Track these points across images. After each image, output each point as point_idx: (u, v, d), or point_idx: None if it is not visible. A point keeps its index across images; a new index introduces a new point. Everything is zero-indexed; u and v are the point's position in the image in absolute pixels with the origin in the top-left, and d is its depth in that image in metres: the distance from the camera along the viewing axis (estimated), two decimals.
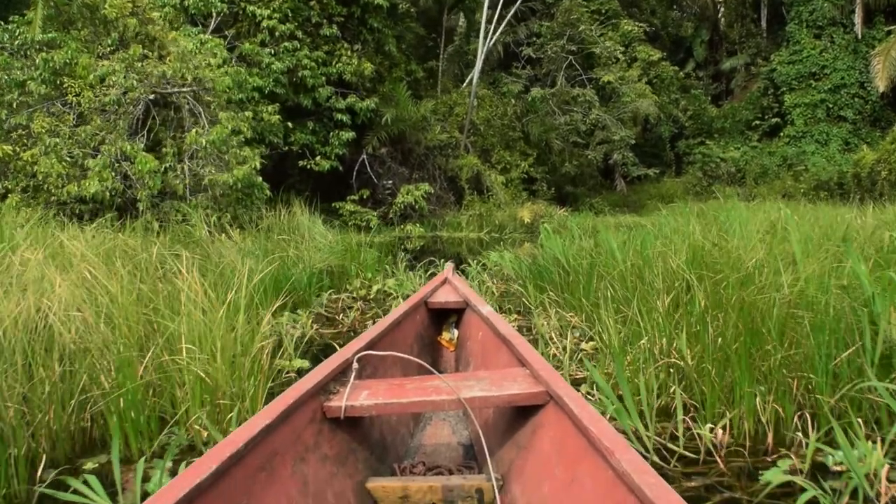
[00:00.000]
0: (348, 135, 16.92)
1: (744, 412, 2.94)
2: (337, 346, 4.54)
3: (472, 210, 19.50)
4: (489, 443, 2.37)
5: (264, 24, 15.80)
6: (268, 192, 9.84)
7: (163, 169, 9.24)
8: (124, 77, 9.40)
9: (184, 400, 3.00)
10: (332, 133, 17.03)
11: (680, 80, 32.99)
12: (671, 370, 3.32)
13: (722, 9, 37.95)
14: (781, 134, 30.58)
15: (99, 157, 9.06)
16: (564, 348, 4.21)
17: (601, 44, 26.02)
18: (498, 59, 27.75)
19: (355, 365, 2.51)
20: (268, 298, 5.46)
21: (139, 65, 9.81)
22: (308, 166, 16.64)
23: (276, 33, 15.92)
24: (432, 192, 19.06)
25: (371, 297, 6.77)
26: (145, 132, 9.73)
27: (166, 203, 9.23)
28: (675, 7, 39.74)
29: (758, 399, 2.94)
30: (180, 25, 14.26)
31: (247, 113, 10.17)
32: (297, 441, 2.06)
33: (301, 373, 3.96)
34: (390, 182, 18.85)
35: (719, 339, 3.10)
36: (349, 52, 17.24)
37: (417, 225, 18.10)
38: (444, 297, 4.10)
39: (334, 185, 18.70)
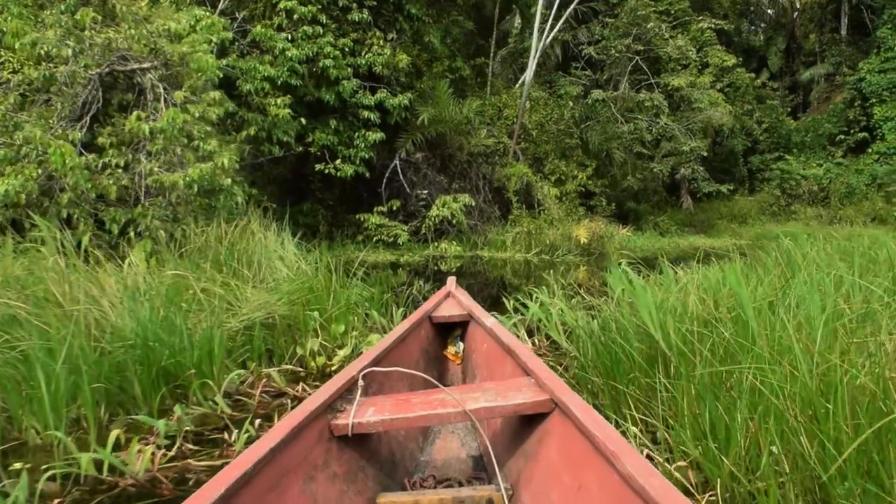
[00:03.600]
0: (376, 135, 14.46)
1: None
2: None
3: (520, 227, 16.66)
4: (497, 453, 2.43)
5: (281, 4, 13.51)
6: (239, 199, 7.44)
7: (100, 165, 6.98)
8: (58, 46, 7.17)
9: None
10: (357, 133, 14.62)
11: (755, 89, 30.01)
12: None
13: (797, 17, 34.69)
14: (869, 150, 27.59)
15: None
16: None
17: (672, 43, 23.24)
18: (556, 62, 25.10)
19: (361, 382, 2.44)
20: (123, 387, 3.10)
21: (88, 33, 7.60)
22: (326, 171, 14.19)
23: (295, 16, 13.62)
24: (474, 204, 16.36)
25: (332, 367, 4.27)
26: (87, 119, 7.47)
27: (109, 211, 6.94)
28: (748, 16, 36.68)
29: None
30: (187, 5, 12.07)
31: (213, 94, 7.76)
32: (306, 460, 2.00)
33: None
34: (425, 192, 16.29)
35: None
36: (381, 42, 14.82)
37: (454, 243, 15.45)
38: (448, 310, 4.01)
39: (362, 195, 16.36)
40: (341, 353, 4.39)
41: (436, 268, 13.13)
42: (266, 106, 12.12)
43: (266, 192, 14.53)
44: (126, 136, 7.13)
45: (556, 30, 21.18)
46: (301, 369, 4.23)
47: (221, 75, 10.51)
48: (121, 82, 8.38)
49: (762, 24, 37.96)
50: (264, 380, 3.86)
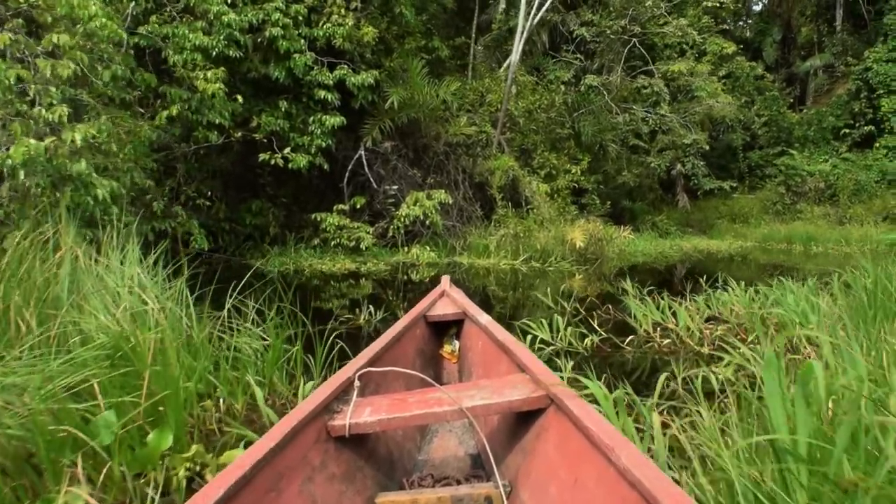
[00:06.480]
0: (335, 120, 12.12)
1: None
2: None
3: (506, 228, 14.32)
4: (495, 450, 2.39)
5: None
6: (100, 193, 5.12)
7: None
8: None
9: None
10: (313, 117, 12.30)
11: (755, 80, 28.06)
12: None
13: (792, 5, 32.92)
14: (877, 144, 25.74)
15: None
16: None
17: (672, 23, 21.14)
18: (543, 49, 22.91)
19: (357, 383, 2.44)
20: None
21: None
22: (273, 162, 11.83)
23: None
24: (451, 202, 14.03)
25: None
26: None
27: None
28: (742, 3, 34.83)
29: None
30: None
31: (59, 37, 5.37)
32: (304, 462, 1.98)
33: None
34: (395, 188, 13.96)
35: None
36: (343, 11, 12.53)
37: (427, 248, 13.14)
38: (443, 309, 3.95)
39: (322, 191, 14.07)
40: None
41: (405, 278, 10.90)
42: (193, 80, 9.81)
43: (207, 187, 12.27)
44: None
45: (543, 9, 18.93)
46: None
47: (125, 35, 8.24)
48: None
49: (748, 20, 36.32)
50: None
